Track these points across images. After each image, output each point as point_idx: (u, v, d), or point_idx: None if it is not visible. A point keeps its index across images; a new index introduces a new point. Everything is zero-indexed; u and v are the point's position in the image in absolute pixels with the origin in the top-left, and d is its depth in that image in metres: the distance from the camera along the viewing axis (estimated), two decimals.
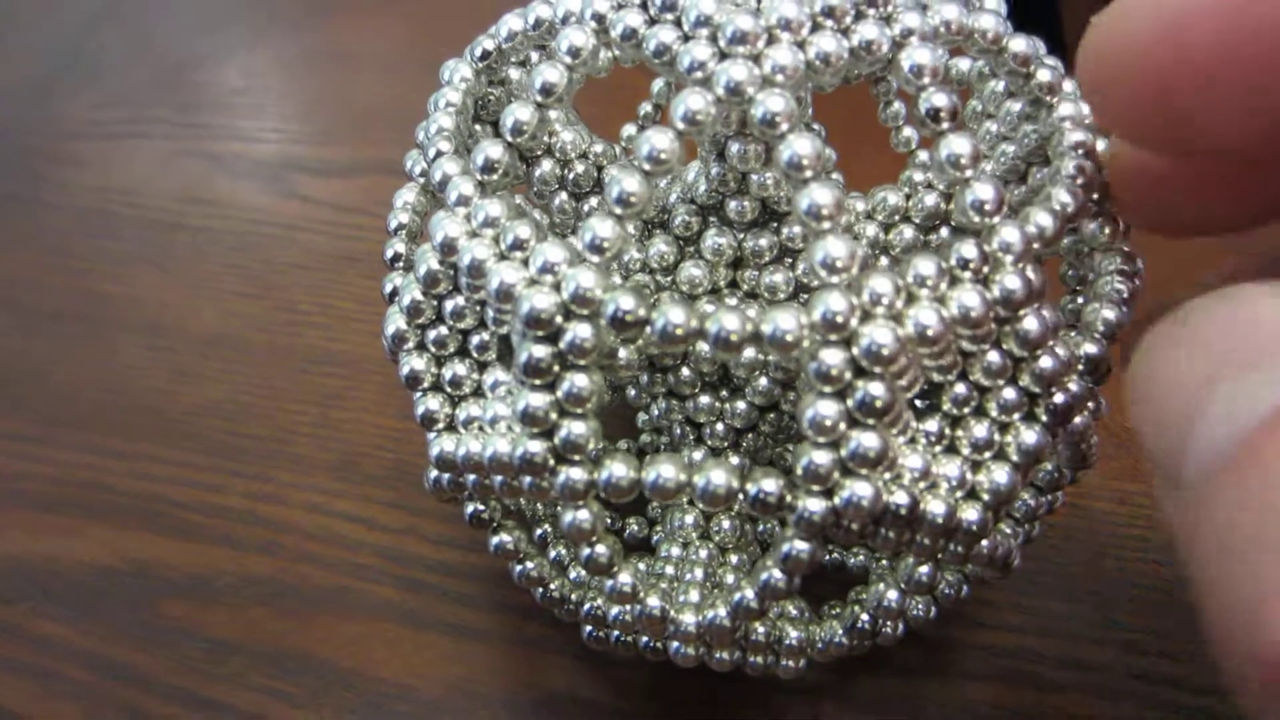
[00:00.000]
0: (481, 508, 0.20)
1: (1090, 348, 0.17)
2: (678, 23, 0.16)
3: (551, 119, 0.21)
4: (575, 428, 0.15)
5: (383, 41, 0.52)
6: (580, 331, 0.15)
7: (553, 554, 0.23)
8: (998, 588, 0.26)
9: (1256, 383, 0.10)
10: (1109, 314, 0.18)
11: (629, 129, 0.24)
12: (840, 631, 0.21)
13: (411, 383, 0.18)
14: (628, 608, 0.19)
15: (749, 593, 0.17)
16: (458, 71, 0.20)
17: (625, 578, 0.18)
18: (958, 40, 0.16)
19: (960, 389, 0.16)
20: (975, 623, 0.26)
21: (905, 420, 0.15)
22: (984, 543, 0.17)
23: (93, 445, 0.32)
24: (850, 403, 0.14)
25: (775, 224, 0.20)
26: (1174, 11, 0.12)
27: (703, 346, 0.14)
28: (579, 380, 0.15)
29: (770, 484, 0.15)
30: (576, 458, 0.15)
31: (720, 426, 0.22)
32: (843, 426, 0.14)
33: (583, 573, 0.21)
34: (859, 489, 0.14)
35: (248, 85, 0.50)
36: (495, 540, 0.21)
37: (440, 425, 0.18)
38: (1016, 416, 0.16)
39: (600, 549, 0.17)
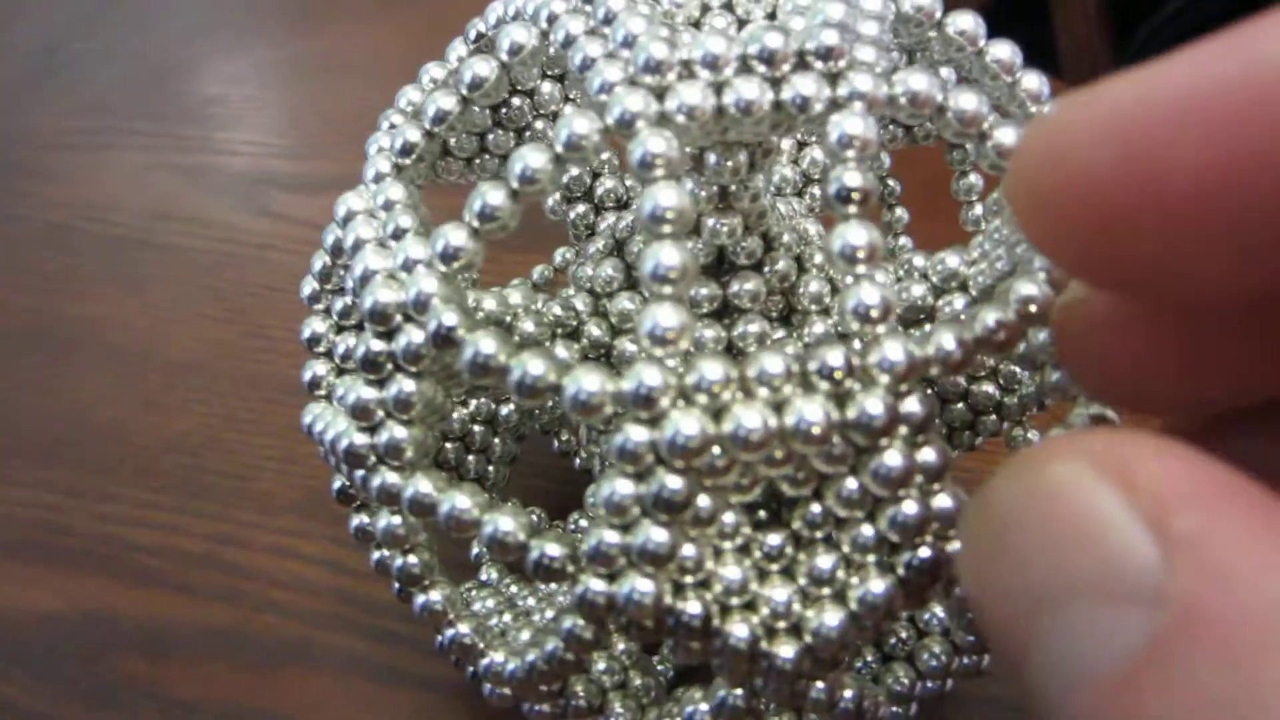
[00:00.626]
0: (366, 520, 0.19)
1: None
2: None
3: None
4: (397, 432, 0.15)
5: (365, 52, 0.50)
6: (414, 336, 0.14)
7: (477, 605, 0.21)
8: None
9: (1083, 622, 0.09)
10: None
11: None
12: None
13: (310, 344, 0.19)
14: (447, 633, 0.18)
15: (550, 645, 0.16)
16: (427, 71, 0.19)
17: (436, 595, 0.17)
18: (922, 117, 0.14)
19: (815, 509, 0.14)
20: (990, 674, 0.24)
21: (727, 524, 0.13)
22: (818, 686, 0.15)
23: (47, 482, 0.30)
24: (645, 489, 0.12)
25: (725, 277, 0.18)
26: (1146, 121, 0.09)
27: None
28: (407, 385, 0.15)
29: (554, 549, 0.14)
30: (395, 462, 0.15)
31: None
32: (636, 512, 0.13)
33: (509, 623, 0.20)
34: (640, 585, 0.13)
35: (225, 95, 0.48)
36: (375, 556, 0.19)
37: (321, 393, 0.18)
38: (871, 559, 0.14)
39: (411, 559, 0.17)
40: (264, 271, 0.38)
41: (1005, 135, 0.14)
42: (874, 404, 0.12)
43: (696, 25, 0.16)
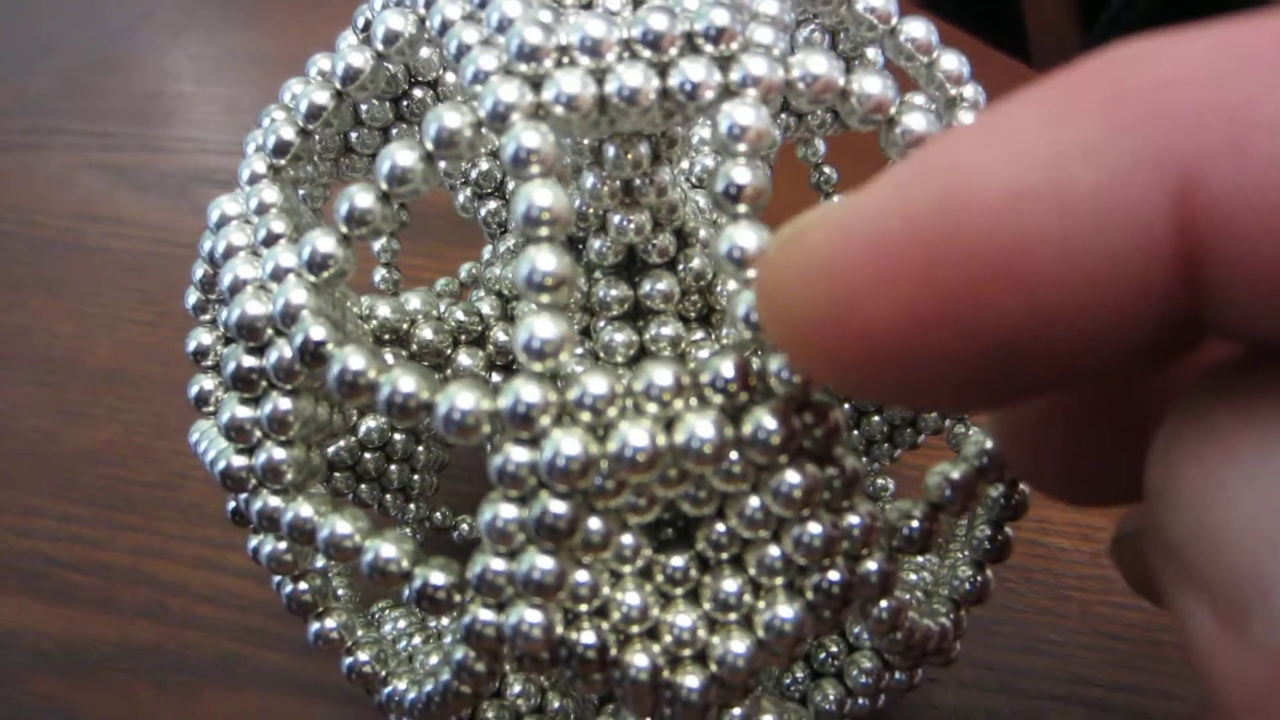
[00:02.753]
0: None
1: (915, 520, 0.13)
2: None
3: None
4: (275, 453, 0.14)
5: (304, 45, 0.49)
6: (285, 351, 0.13)
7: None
8: None
9: None
10: (956, 476, 0.13)
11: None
12: None
13: (196, 357, 0.18)
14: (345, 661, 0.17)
15: (444, 675, 0.15)
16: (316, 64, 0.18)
17: (330, 622, 0.16)
18: (824, 101, 0.13)
19: (720, 529, 0.13)
20: (926, 678, 0.24)
21: (626, 546, 0.13)
22: (734, 714, 0.14)
23: None
24: (528, 514, 0.12)
25: (636, 277, 0.17)
26: (842, 267, 0.09)
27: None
28: (282, 403, 0.14)
29: (438, 577, 0.13)
30: (275, 484, 0.14)
31: None
32: (521, 538, 0.12)
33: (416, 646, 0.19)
34: (529, 616, 0.12)
35: (158, 91, 0.46)
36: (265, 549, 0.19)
37: (210, 409, 0.17)
38: (779, 582, 0.13)
39: (301, 585, 0.16)
40: None
41: (914, 121, 0.13)
42: (769, 420, 0.11)
43: (589, 7, 0.15)
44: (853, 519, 0.12)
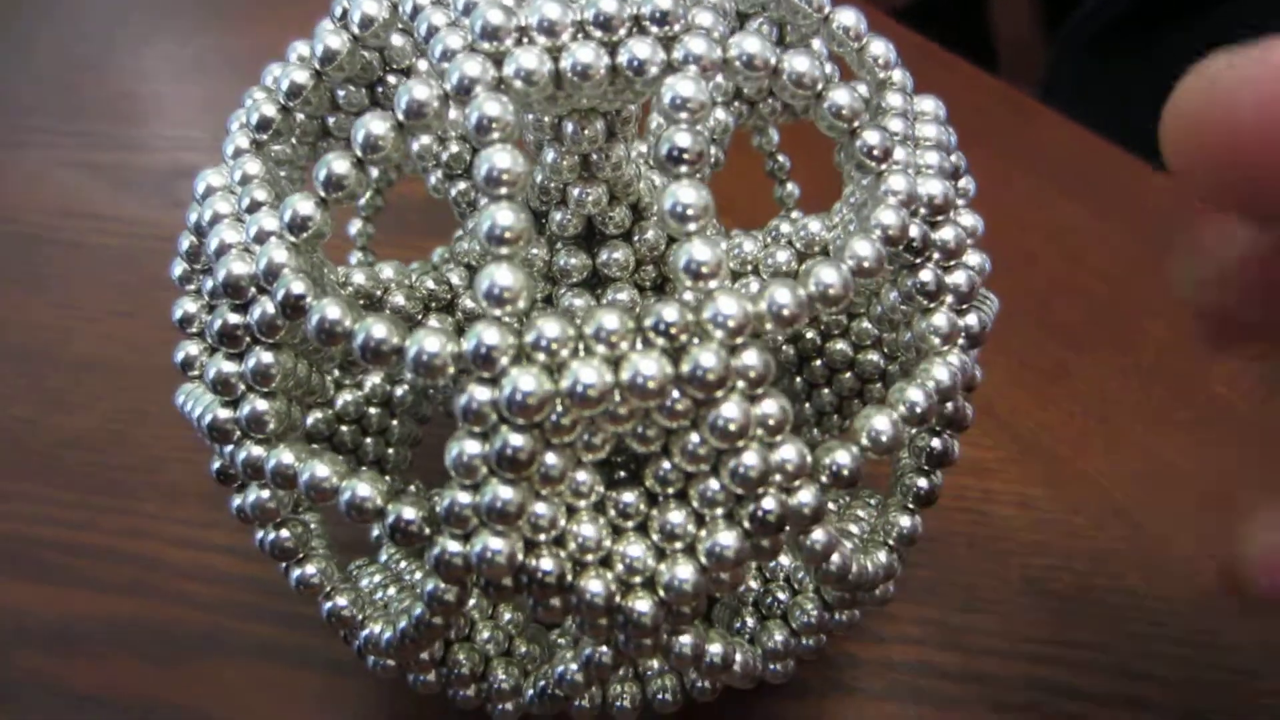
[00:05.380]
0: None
1: (842, 456, 0.15)
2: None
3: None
4: (258, 404, 0.15)
5: (278, 46, 0.50)
6: (267, 307, 0.14)
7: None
8: (897, 599, 0.25)
9: None
10: (880, 424, 0.15)
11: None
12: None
13: (182, 324, 0.19)
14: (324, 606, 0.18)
15: (417, 609, 0.16)
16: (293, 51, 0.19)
17: (311, 568, 0.17)
18: (759, 77, 0.14)
19: (666, 465, 0.14)
20: (876, 637, 0.25)
21: (581, 482, 0.14)
22: (684, 641, 0.16)
23: None
24: (490, 448, 0.13)
25: (595, 248, 0.19)
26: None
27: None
28: (264, 356, 0.15)
29: (410, 512, 0.14)
30: (258, 434, 0.15)
31: None
32: (484, 471, 0.13)
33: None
34: (493, 544, 0.13)
35: (135, 89, 0.47)
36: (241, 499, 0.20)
37: (195, 373, 0.18)
38: (719, 512, 0.14)
39: (284, 533, 0.17)
40: None
41: (839, 96, 0.15)
42: (707, 357, 0.13)
43: None
44: (786, 452, 0.14)
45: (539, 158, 0.17)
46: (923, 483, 0.18)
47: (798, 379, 0.25)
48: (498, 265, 0.12)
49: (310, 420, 0.22)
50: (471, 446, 0.13)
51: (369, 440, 0.23)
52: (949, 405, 0.17)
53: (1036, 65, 0.71)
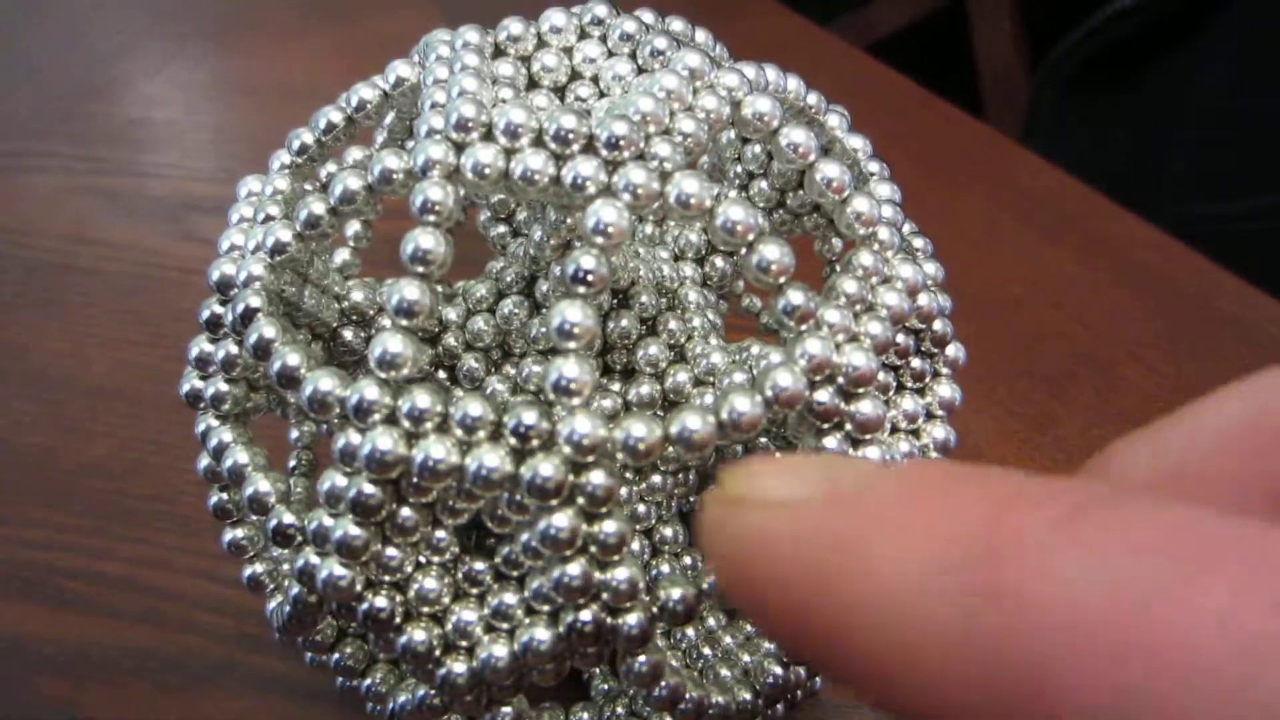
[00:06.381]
0: (239, 534, 0.21)
1: (676, 592, 0.15)
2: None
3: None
4: (221, 385, 0.18)
5: (290, 73, 0.51)
6: (231, 348, 0.18)
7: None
8: None
9: None
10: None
11: None
12: None
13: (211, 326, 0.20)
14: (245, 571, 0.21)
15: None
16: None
17: (241, 532, 0.20)
18: (692, 218, 0.14)
19: (514, 549, 0.16)
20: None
21: (439, 540, 0.16)
22: (504, 711, 0.18)
23: None
24: (350, 489, 0.15)
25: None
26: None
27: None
28: (232, 349, 0.18)
29: (289, 518, 0.17)
30: (225, 406, 0.18)
31: None
32: (344, 507, 0.15)
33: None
34: (336, 570, 0.15)
35: (147, 116, 0.48)
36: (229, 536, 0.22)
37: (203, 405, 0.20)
38: (545, 608, 0.15)
39: (224, 495, 0.19)
40: (188, 296, 0.38)
41: (769, 251, 0.14)
42: (546, 468, 0.13)
43: (560, 91, 0.17)
44: (618, 574, 0.14)
45: (529, 230, 0.19)
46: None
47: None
48: (391, 334, 0.14)
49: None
50: (339, 482, 0.14)
51: None
52: None
53: (1019, 92, 0.72)
